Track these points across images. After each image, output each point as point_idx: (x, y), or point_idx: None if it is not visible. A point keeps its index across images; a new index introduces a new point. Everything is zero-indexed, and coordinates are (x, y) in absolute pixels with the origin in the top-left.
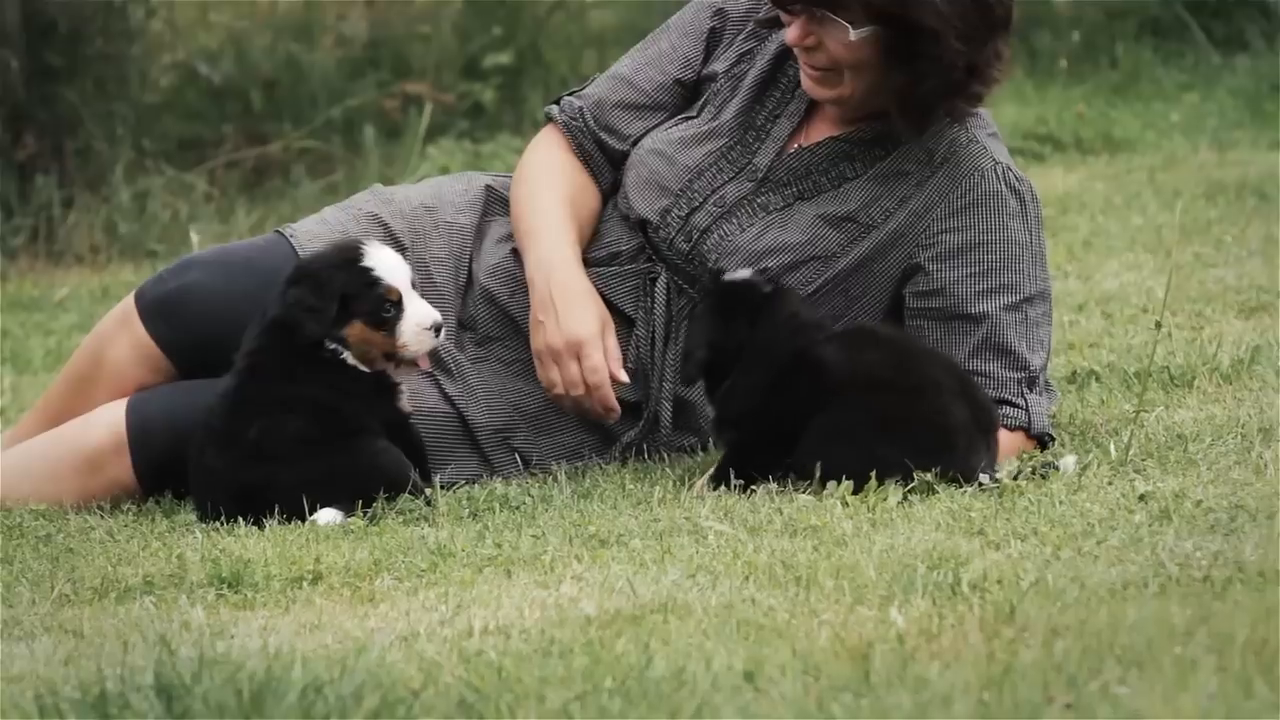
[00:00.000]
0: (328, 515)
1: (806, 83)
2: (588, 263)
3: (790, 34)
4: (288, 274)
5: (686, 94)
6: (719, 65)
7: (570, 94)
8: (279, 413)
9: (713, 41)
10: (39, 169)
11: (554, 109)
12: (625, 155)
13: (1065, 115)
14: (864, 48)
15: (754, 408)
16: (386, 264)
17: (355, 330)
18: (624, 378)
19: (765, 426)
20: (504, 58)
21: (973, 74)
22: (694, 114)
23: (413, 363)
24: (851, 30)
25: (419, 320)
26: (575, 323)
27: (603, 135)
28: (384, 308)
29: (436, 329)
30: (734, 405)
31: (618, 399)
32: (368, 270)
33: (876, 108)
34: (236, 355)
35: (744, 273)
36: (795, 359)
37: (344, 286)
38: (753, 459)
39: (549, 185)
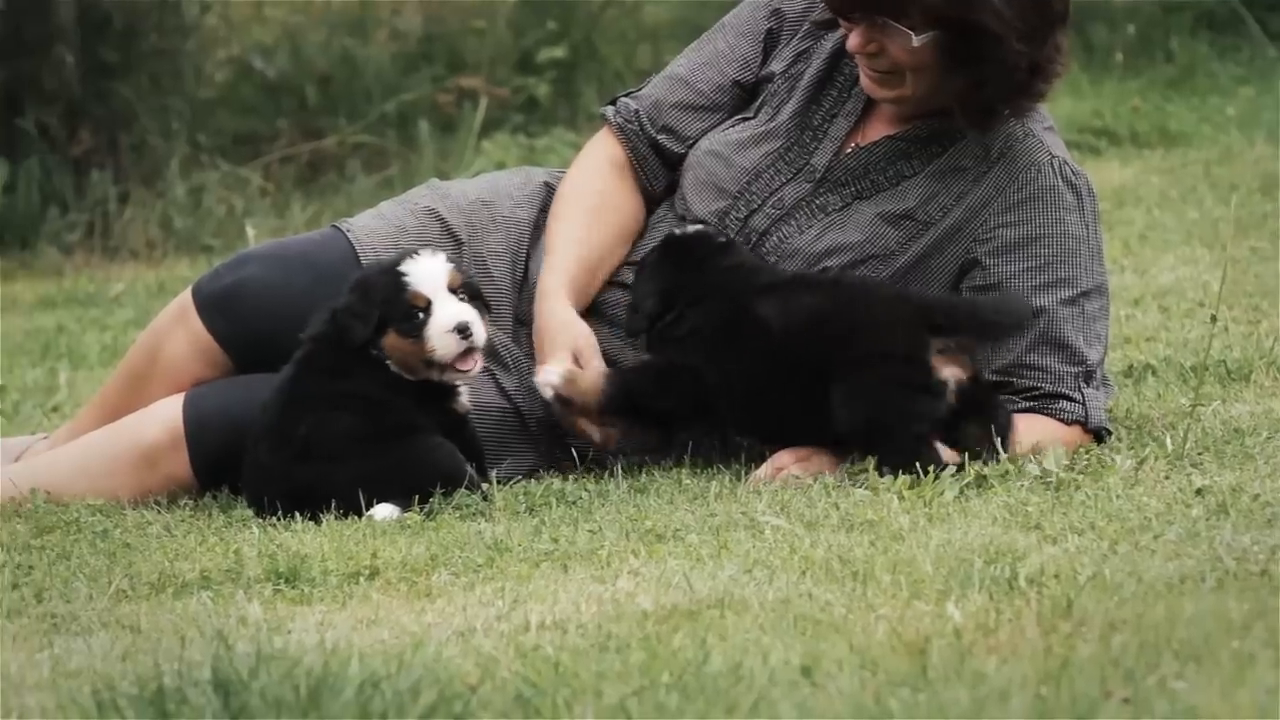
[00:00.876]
0: (384, 511)
1: (867, 84)
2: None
3: (852, 41)
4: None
5: (744, 95)
6: (776, 66)
7: (626, 95)
8: (330, 410)
9: (770, 43)
10: (95, 164)
11: (609, 110)
12: (682, 157)
13: (1121, 109)
14: (926, 51)
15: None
16: (419, 270)
17: (390, 339)
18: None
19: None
20: (558, 52)
21: (1035, 72)
22: (751, 115)
23: (453, 367)
24: (914, 37)
25: (443, 323)
26: (543, 355)
27: (660, 137)
28: (411, 314)
29: (462, 330)
30: (670, 347)
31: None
32: (399, 276)
33: (937, 105)
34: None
35: (697, 226)
36: (736, 310)
37: (382, 293)
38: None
39: (570, 209)
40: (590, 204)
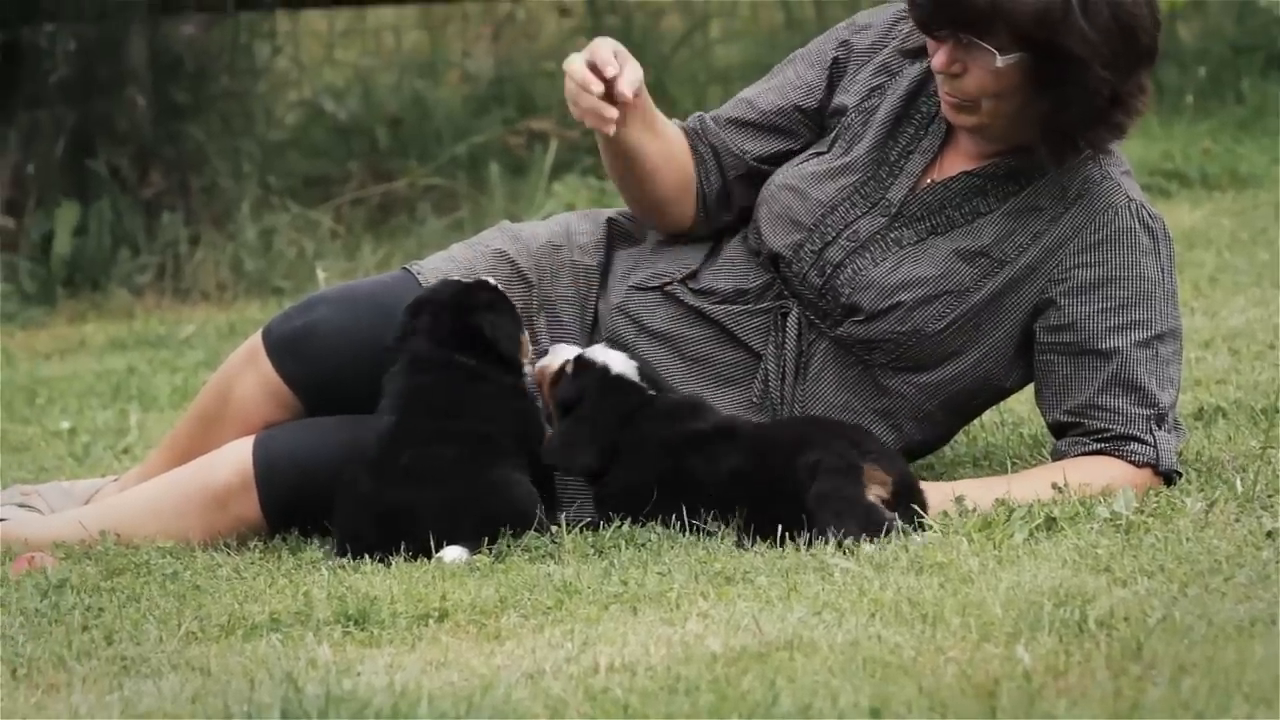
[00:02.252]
0: (454, 553)
1: (946, 109)
2: (713, 294)
3: (937, 60)
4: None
5: (807, 121)
6: (849, 99)
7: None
8: (435, 443)
9: (836, 72)
10: (165, 206)
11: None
12: (737, 169)
13: (1191, 151)
14: (1009, 75)
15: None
16: None
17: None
18: (626, 93)
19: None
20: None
21: (1116, 103)
22: (824, 149)
23: None
24: (999, 56)
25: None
26: (597, 41)
27: (716, 145)
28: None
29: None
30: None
31: None
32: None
33: (1015, 139)
34: (387, 393)
35: (629, 369)
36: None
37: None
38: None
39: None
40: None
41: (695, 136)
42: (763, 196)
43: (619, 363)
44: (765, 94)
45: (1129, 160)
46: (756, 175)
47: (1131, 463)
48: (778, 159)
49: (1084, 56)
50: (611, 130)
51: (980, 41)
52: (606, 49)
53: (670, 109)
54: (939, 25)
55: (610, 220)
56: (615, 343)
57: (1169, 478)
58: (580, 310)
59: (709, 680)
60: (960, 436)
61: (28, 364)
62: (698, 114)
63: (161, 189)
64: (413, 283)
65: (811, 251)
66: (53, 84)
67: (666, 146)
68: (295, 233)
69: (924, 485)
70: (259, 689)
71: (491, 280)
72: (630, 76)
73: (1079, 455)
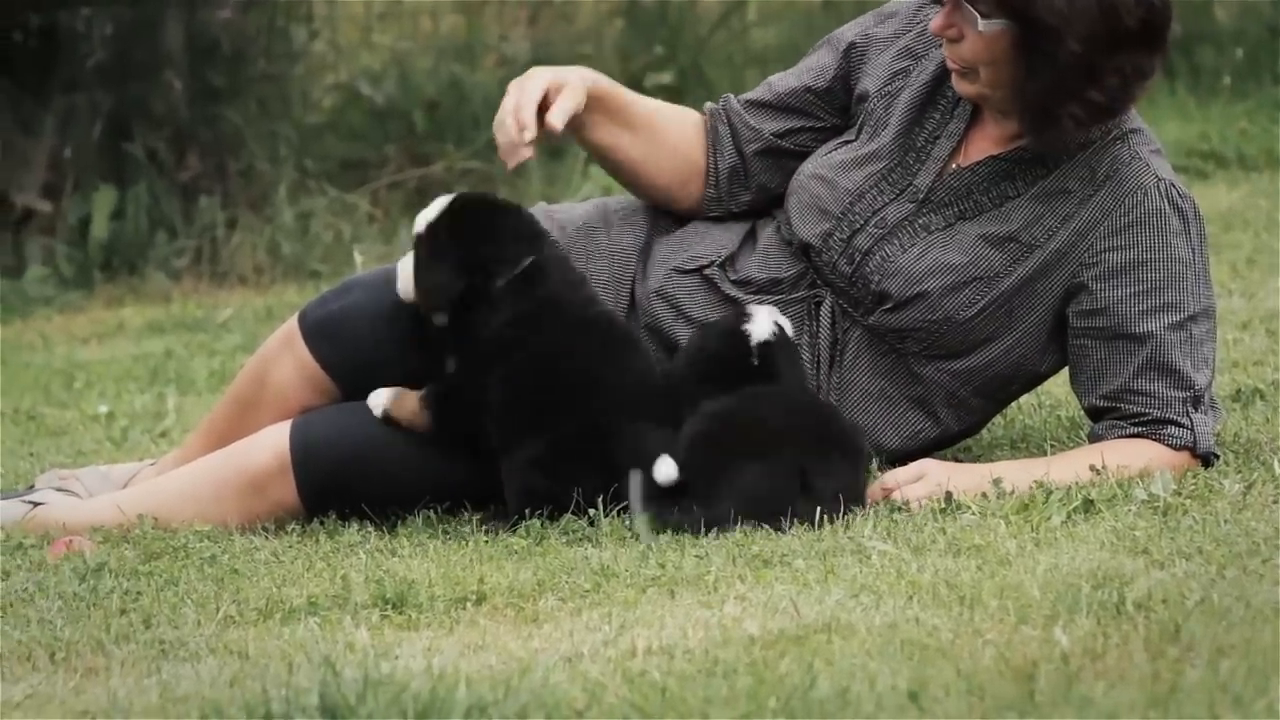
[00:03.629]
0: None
1: (954, 79)
2: (749, 284)
3: (934, 23)
4: None
5: (818, 102)
6: (870, 85)
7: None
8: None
9: (853, 57)
10: (202, 190)
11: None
12: (754, 144)
13: (1228, 132)
14: (997, 41)
15: None
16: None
17: None
18: (554, 125)
19: None
20: (666, 77)
21: (1090, 79)
22: (852, 137)
23: None
24: (980, 20)
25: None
26: (532, 72)
27: (735, 123)
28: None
29: None
30: None
31: None
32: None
33: (1010, 104)
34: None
35: None
36: None
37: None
38: None
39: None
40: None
41: (715, 116)
42: (792, 186)
43: None
44: (784, 77)
45: (1161, 141)
46: (776, 151)
47: (1169, 446)
48: (794, 135)
49: (1056, 26)
50: (511, 165)
51: (967, 5)
52: (537, 89)
53: (708, 91)
54: None
55: (646, 208)
56: (653, 330)
57: (1207, 460)
58: (615, 293)
59: (746, 663)
60: (998, 419)
61: (65, 348)
62: (726, 95)
63: (198, 172)
64: None
65: (840, 240)
66: (89, 68)
67: (650, 139)
68: (332, 216)
69: (963, 466)
70: (297, 673)
71: None
72: (562, 108)
73: (1116, 439)
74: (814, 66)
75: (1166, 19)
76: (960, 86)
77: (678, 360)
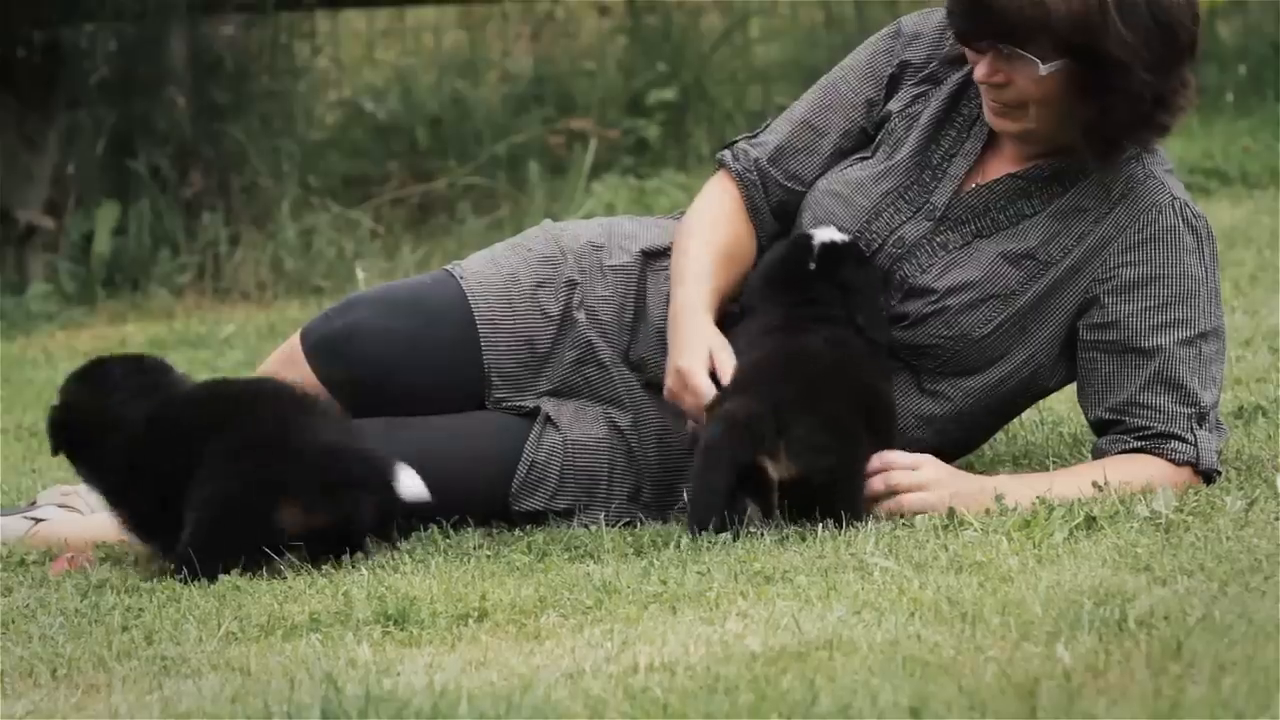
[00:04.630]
0: None
1: (991, 116)
2: None
3: (978, 72)
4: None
5: (864, 139)
6: (894, 106)
7: (744, 140)
8: None
9: (893, 88)
10: (205, 206)
11: (726, 155)
12: (791, 199)
13: (1231, 149)
14: (1052, 82)
15: None
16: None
17: None
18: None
19: None
20: (668, 94)
21: (1160, 104)
22: (869, 154)
23: None
24: (1041, 65)
25: None
26: (679, 354)
27: (786, 183)
28: None
29: None
30: None
31: None
32: None
33: (1060, 141)
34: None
35: None
36: None
37: None
38: None
39: (705, 237)
40: (722, 247)
41: (750, 188)
42: (806, 203)
43: None
44: (826, 114)
45: (1170, 158)
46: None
47: (1172, 461)
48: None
49: (1125, 60)
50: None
51: (1022, 51)
52: (702, 374)
53: (710, 108)
54: (979, 37)
55: (656, 225)
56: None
57: (1209, 477)
58: (619, 310)
59: (748, 680)
60: (1000, 435)
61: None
62: (746, 149)
63: (201, 189)
64: (453, 284)
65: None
66: (93, 84)
67: (739, 273)
68: (335, 232)
69: (962, 474)
70: (299, 689)
71: None
72: (728, 368)
73: (1119, 453)
74: (858, 104)
75: (1201, 21)
76: (1003, 125)
77: (752, 274)
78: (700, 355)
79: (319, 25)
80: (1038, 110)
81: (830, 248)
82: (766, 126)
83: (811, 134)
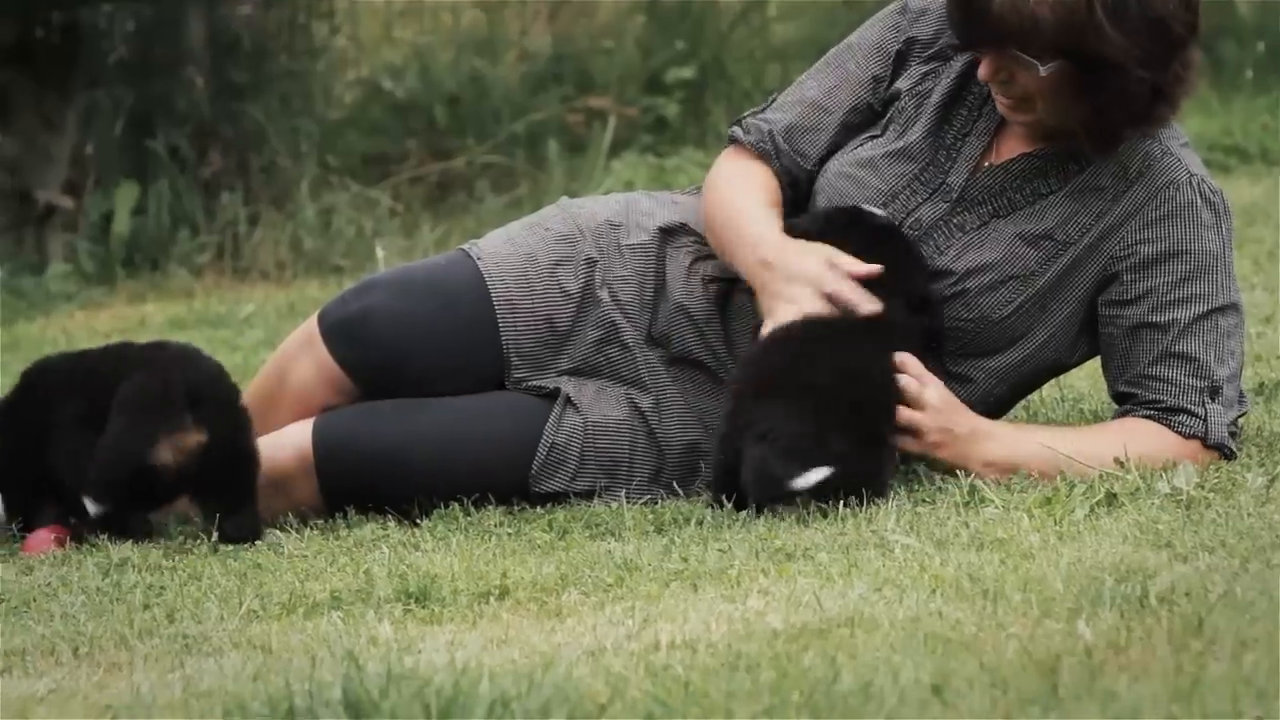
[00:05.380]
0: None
1: (1002, 108)
2: None
3: (982, 71)
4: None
5: (872, 117)
6: (903, 84)
7: (753, 115)
8: None
9: (899, 65)
10: (224, 186)
11: (738, 131)
12: (807, 176)
13: (1251, 126)
14: (1054, 80)
15: None
16: None
17: None
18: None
19: None
20: (687, 72)
21: (1158, 97)
22: (878, 133)
23: None
24: (1041, 66)
25: None
26: (800, 262)
27: (795, 158)
28: None
29: None
30: None
31: None
32: None
33: (1069, 129)
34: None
35: None
36: None
37: None
38: None
39: (746, 186)
40: (763, 195)
41: (767, 159)
42: (820, 185)
43: None
44: (835, 94)
45: (1188, 135)
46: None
47: (1179, 434)
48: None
49: (1118, 59)
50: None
51: (1021, 54)
52: (842, 255)
53: (729, 86)
54: (978, 43)
55: (674, 202)
56: (685, 321)
57: (1221, 451)
58: (639, 287)
59: (770, 657)
60: (1019, 412)
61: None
62: (757, 123)
63: (220, 168)
64: (469, 265)
65: None
66: (111, 64)
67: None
68: (354, 211)
69: (969, 416)
70: (320, 667)
71: None
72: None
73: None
74: (865, 80)
75: (1199, 5)
76: (1014, 117)
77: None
78: (825, 255)
79: (337, 4)
80: (1045, 103)
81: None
82: (773, 102)
83: (820, 114)
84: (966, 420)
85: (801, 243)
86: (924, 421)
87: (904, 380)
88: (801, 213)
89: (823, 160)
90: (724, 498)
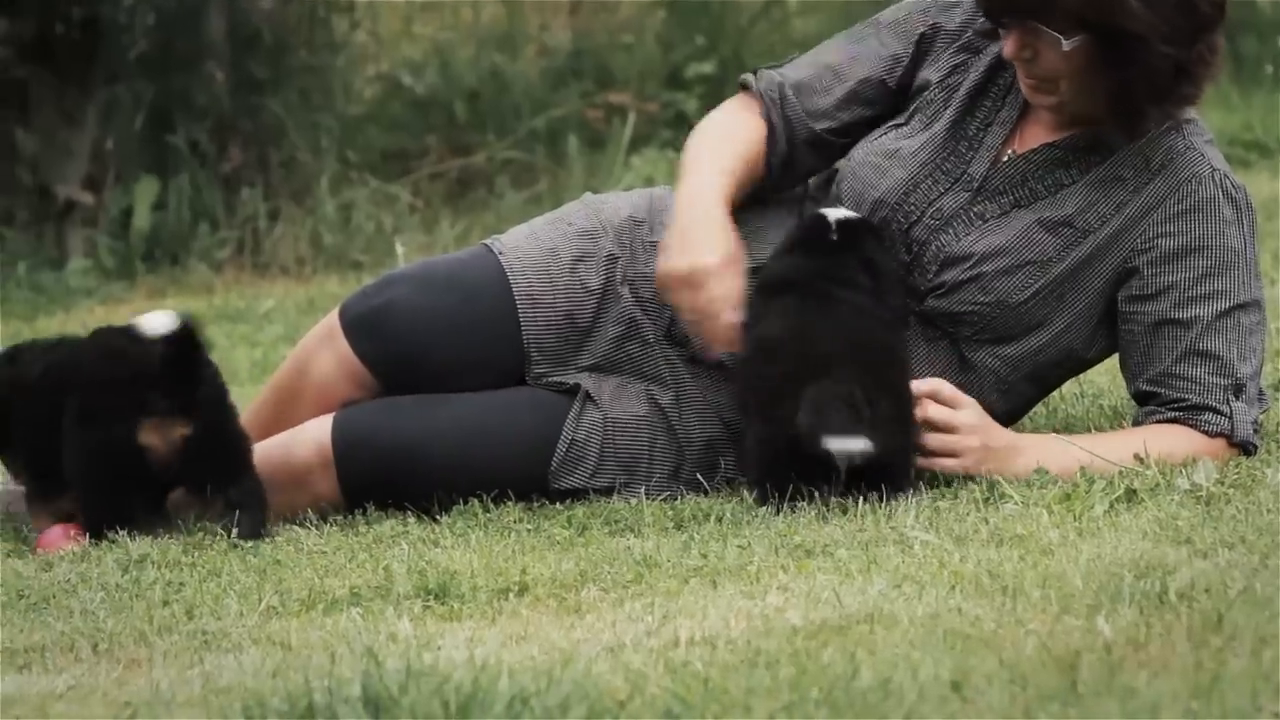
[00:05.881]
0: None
1: (1026, 90)
2: None
3: (1007, 48)
4: None
5: (886, 95)
6: (932, 75)
7: (769, 67)
8: None
9: (922, 48)
10: (244, 181)
11: (749, 77)
12: (804, 135)
13: (1271, 121)
14: (1078, 56)
15: None
16: None
17: None
18: (731, 319)
19: None
20: (707, 67)
21: (1181, 75)
22: (902, 121)
23: None
24: (1064, 40)
25: None
26: (697, 251)
27: (800, 112)
28: None
29: None
30: None
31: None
32: None
33: (1094, 114)
34: None
35: None
36: None
37: None
38: None
39: (722, 137)
40: (741, 148)
41: (770, 105)
42: (843, 173)
43: None
44: (851, 64)
45: (1209, 130)
46: (824, 143)
47: (1205, 432)
48: (849, 130)
49: (1142, 33)
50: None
51: (1044, 28)
52: (725, 278)
53: None
54: (1002, 14)
55: None
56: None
57: (1245, 448)
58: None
59: (789, 653)
60: (1040, 408)
61: None
62: (774, 77)
63: (240, 164)
64: (491, 260)
65: (899, 230)
66: (131, 59)
67: (751, 179)
68: (374, 207)
69: (1003, 433)
70: (339, 663)
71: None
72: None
73: (1154, 424)
74: (885, 56)
75: None
76: (1037, 99)
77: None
78: (718, 260)
79: None
80: (1068, 85)
81: (848, 224)
82: (791, 60)
83: (833, 77)
84: (1002, 436)
85: (712, 229)
86: (962, 443)
87: (934, 410)
88: (789, 170)
89: (825, 117)
90: (769, 487)
